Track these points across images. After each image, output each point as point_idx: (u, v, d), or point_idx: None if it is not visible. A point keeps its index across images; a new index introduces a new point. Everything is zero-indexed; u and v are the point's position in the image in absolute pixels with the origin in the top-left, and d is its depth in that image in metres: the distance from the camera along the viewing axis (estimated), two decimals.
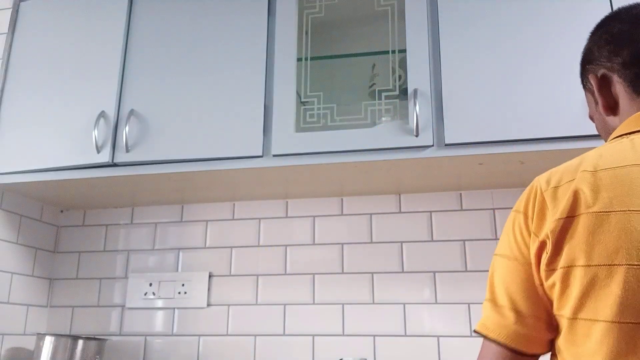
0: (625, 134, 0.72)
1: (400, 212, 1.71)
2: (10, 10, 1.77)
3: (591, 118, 0.86)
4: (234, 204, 1.84)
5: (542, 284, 0.68)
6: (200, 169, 1.49)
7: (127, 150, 1.52)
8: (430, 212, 1.68)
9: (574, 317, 0.63)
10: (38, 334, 1.62)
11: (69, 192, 1.74)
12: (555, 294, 0.66)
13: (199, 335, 1.74)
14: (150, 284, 1.81)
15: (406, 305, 1.63)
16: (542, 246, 0.67)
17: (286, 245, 1.76)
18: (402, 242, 1.68)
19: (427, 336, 1.59)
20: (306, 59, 1.79)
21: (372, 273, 1.68)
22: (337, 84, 1.81)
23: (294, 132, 1.59)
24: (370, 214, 1.73)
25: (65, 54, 1.66)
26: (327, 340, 1.65)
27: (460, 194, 1.68)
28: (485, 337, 0.72)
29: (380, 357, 1.61)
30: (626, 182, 0.63)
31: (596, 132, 0.88)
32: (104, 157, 1.52)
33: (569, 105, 1.27)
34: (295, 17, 1.67)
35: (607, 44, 0.79)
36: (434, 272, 1.63)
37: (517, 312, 0.69)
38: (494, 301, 0.72)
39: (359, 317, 1.65)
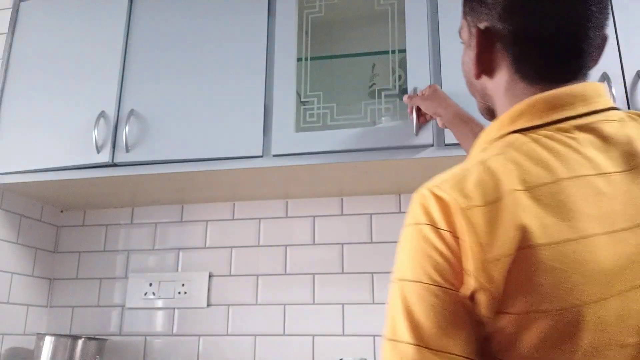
0: (521, 131, 0.62)
1: (400, 212, 1.71)
2: (10, 10, 1.77)
3: (462, 39, 0.75)
4: (234, 204, 1.84)
5: (482, 323, 0.55)
6: (200, 169, 1.49)
7: (127, 150, 1.52)
8: None
9: None
10: (38, 334, 1.62)
11: (69, 192, 1.74)
12: (502, 339, 0.54)
13: (199, 335, 1.74)
14: (150, 284, 1.81)
15: None
16: (481, 287, 0.53)
17: (286, 245, 1.76)
18: None
19: None
20: (306, 59, 1.79)
21: (372, 273, 1.67)
22: (337, 84, 1.81)
23: (294, 132, 1.59)
24: (370, 214, 1.73)
25: (65, 53, 1.66)
26: (327, 340, 1.65)
27: None
28: None
29: (380, 357, 1.60)
30: (565, 202, 0.54)
31: None
32: (104, 157, 1.52)
33: None
34: (295, 17, 1.67)
35: (505, 1, 0.65)
36: None
37: (448, 356, 0.54)
38: (419, 337, 0.55)
39: (359, 317, 1.65)
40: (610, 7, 0.66)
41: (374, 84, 1.69)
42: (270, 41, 1.55)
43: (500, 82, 0.68)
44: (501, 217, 0.53)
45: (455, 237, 0.55)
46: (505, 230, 0.53)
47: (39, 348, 1.58)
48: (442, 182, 0.58)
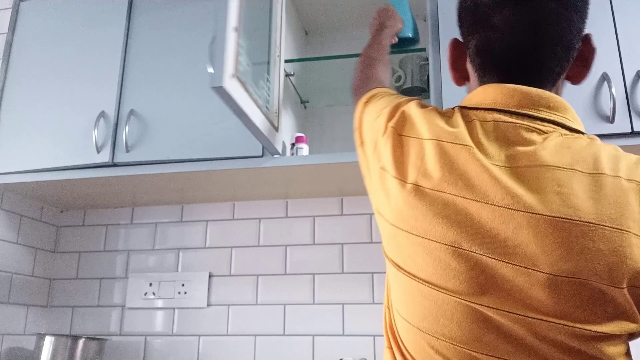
0: (465, 108, 0.72)
1: None
2: (10, 10, 1.77)
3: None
4: (234, 204, 1.84)
5: None
6: (200, 169, 1.48)
7: (127, 150, 1.51)
8: None
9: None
10: (38, 334, 1.62)
11: (69, 192, 1.74)
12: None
13: (199, 335, 1.74)
14: (150, 284, 1.81)
15: None
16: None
17: (286, 245, 1.76)
18: None
19: None
20: (306, 59, 1.79)
21: (372, 273, 1.68)
22: (337, 84, 1.81)
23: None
24: (370, 214, 1.73)
25: (65, 53, 1.66)
26: (327, 340, 1.65)
27: None
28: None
29: (380, 357, 1.60)
30: (449, 160, 0.66)
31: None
32: (104, 157, 1.52)
33: (569, 103, 1.27)
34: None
35: (469, 16, 0.74)
36: None
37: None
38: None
39: (359, 317, 1.65)
40: (585, 19, 0.70)
41: None
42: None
43: (472, 85, 0.77)
44: (407, 149, 0.70)
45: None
46: (406, 160, 0.69)
47: (39, 348, 1.58)
48: (401, 111, 0.75)
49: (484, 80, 0.73)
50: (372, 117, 0.80)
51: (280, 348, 1.67)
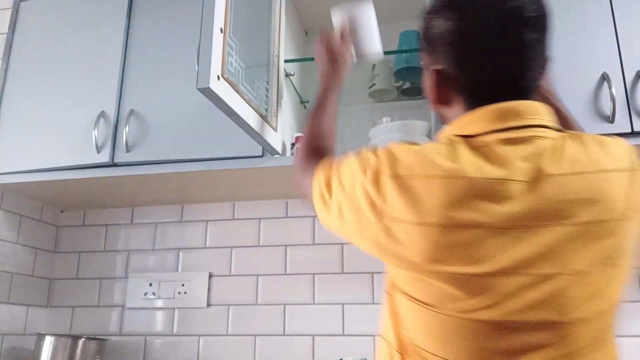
0: (464, 137, 0.72)
1: None
2: (10, 10, 1.77)
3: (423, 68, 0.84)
4: (234, 204, 1.84)
5: None
6: (200, 169, 1.48)
7: (127, 150, 1.51)
8: None
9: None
10: (38, 334, 1.62)
11: (69, 192, 1.74)
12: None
13: (199, 335, 1.74)
14: (150, 284, 1.81)
15: None
16: None
17: (286, 245, 1.76)
18: None
19: None
20: (306, 59, 1.79)
21: (372, 273, 1.67)
22: None
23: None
24: None
25: (65, 53, 1.66)
26: (327, 340, 1.65)
27: None
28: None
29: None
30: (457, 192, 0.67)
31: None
32: (104, 157, 1.52)
33: (567, 103, 1.26)
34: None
35: (450, 43, 0.74)
36: None
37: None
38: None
39: (359, 317, 1.65)
40: (546, 40, 0.74)
41: (374, 84, 1.69)
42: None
43: (456, 111, 0.77)
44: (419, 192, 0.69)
45: None
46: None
47: (39, 348, 1.59)
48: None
49: (470, 106, 0.73)
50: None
51: (280, 348, 1.67)
